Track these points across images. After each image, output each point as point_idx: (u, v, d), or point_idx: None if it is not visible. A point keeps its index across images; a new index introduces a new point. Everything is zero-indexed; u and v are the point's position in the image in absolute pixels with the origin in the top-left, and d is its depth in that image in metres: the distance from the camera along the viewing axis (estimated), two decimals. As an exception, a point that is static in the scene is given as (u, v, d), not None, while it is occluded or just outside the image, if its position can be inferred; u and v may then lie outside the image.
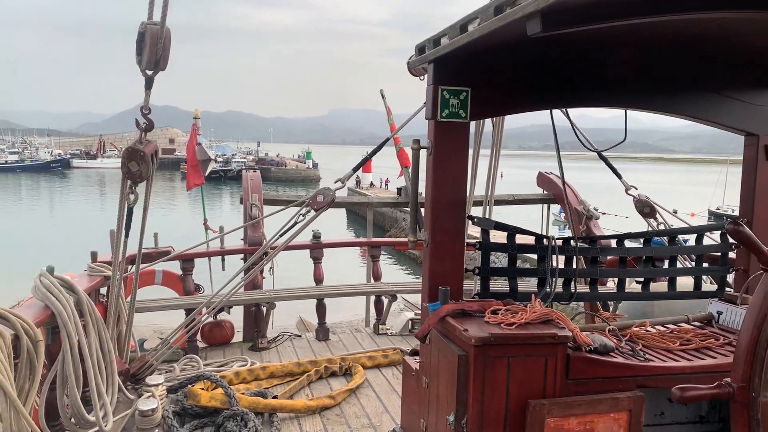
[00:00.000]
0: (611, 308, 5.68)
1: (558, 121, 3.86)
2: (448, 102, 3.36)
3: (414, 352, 5.58)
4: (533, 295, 3.33)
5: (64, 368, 3.68)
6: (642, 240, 3.96)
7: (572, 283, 3.72)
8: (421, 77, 6.13)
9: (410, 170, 3.55)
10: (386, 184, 53.80)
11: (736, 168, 5.46)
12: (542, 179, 8.00)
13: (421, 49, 3.61)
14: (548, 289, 3.59)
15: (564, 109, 4.05)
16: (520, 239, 3.66)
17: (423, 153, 3.49)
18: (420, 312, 6.69)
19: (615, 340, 3.23)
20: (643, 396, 2.94)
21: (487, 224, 3.59)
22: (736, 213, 4.09)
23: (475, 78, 3.42)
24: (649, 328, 3.49)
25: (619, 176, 5.88)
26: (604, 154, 5.03)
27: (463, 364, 2.88)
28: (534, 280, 3.76)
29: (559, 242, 3.70)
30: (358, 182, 55.49)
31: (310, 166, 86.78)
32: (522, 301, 3.67)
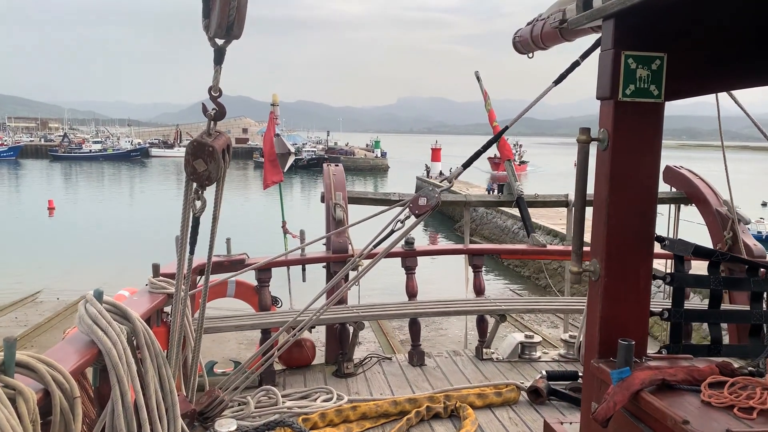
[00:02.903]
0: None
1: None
2: (634, 74, 2.33)
3: (534, 391, 4.59)
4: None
5: (114, 421, 2.91)
6: None
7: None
8: (530, 54, 5.08)
9: (576, 166, 2.52)
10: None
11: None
12: (671, 174, 6.76)
13: (586, 3, 2.58)
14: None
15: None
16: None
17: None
18: (530, 335, 5.68)
19: None
20: None
21: (683, 248, 2.54)
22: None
23: (674, 40, 2.37)
24: None
25: None
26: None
27: (681, 473, 1.88)
28: None
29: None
30: (427, 171, 54.46)
31: (379, 155, 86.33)
32: (728, 356, 2.62)
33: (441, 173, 50.25)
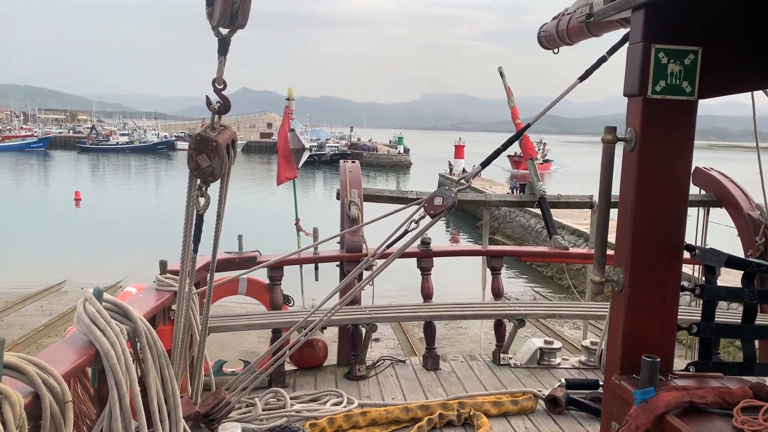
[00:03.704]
0: None
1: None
2: (665, 69, 2.15)
3: (552, 400, 4.41)
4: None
5: (111, 425, 2.82)
6: None
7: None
8: (555, 50, 4.87)
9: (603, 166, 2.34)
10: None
11: None
12: (700, 176, 6.49)
13: (615, -8, 2.40)
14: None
15: None
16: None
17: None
18: (549, 340, 5.49)
19: None
20: None
21: (714, 259, 2.35)
22: None
23: (709, 33, 2.18)
24: None
25: None
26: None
27: None
28: None
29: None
30: (450, 168, 54.05)
31: (402, 151, 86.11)
32: (762, 376, 2.43)
33: (464, 170, 49.76)
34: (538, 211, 6.46)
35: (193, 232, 3.05)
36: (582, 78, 4.24)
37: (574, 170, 74.24)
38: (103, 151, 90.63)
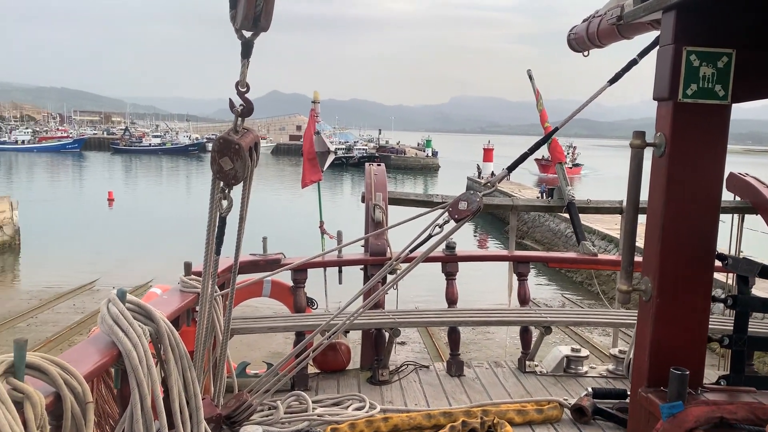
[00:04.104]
0: None
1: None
2: (697, 72, 2.07)
3: (578, 409, 4.32)
4: None
5: (133, 426, 2.83)
6: None
7: None
8: (586, 53, 4.79)
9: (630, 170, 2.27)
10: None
11: None
12: (734, 182, 6.30)
13: (645, -7, 2.33)
14: None
15: None
16: None
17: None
18: (576, 348, 5.38)
19: None
20: None
21: (748, 268, 2.27)
22: None
23: (743, 34, 2.10)
24: None
25: None
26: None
27: None
28: None
29: None
30: (479, 172, 53.75)
31: (430, 154, 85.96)
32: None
33: (492, 174, 49.47)
34: (567, 215, 6.38)
35: (215, 235, 3.06)
36: (612, 81, 4.16)
37: (606, 174, 73.19)
38: (135, 153, 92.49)
